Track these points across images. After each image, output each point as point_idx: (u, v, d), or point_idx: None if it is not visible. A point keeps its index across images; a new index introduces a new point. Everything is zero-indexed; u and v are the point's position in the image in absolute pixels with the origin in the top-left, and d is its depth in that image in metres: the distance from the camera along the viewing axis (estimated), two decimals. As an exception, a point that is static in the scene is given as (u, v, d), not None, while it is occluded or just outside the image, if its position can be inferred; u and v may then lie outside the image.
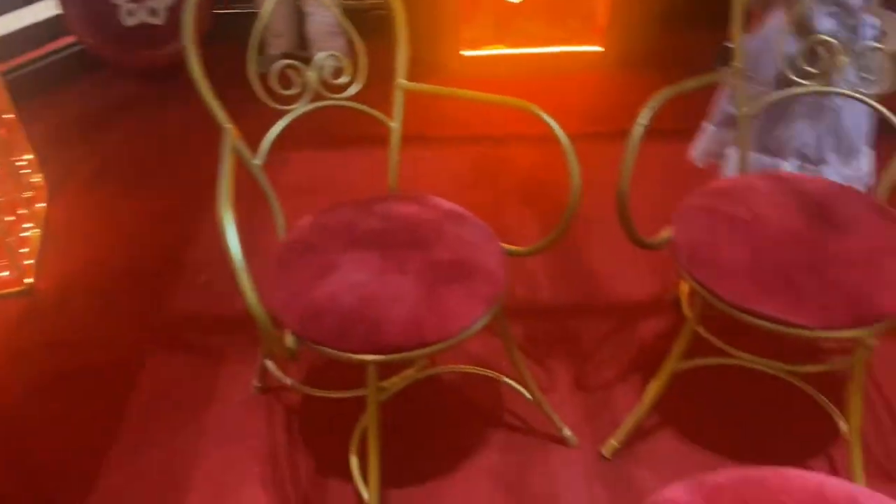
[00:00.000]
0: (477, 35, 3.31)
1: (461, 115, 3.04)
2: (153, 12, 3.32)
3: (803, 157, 1.90)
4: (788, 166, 1.90)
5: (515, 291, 2.15)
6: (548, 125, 1.47)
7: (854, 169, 1.90)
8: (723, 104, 2.01)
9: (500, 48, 3.31)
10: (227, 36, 2.96)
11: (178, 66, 3.40)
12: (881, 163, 1.65)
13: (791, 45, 1.71)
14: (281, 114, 1.56)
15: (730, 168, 1.98)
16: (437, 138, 2.90)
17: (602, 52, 3.26)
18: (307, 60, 1.56)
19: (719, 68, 3.04)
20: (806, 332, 1.37)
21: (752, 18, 2.04)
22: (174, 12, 3.32)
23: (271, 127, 1.56)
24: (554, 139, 1.46)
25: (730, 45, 3.10)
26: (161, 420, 1.81)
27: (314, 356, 1.97)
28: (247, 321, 2.04)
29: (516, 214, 2.47)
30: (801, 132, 1.87)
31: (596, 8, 3.27)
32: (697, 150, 2.11)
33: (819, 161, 1.89)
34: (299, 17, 3.28)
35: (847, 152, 1.88)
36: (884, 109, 1.65)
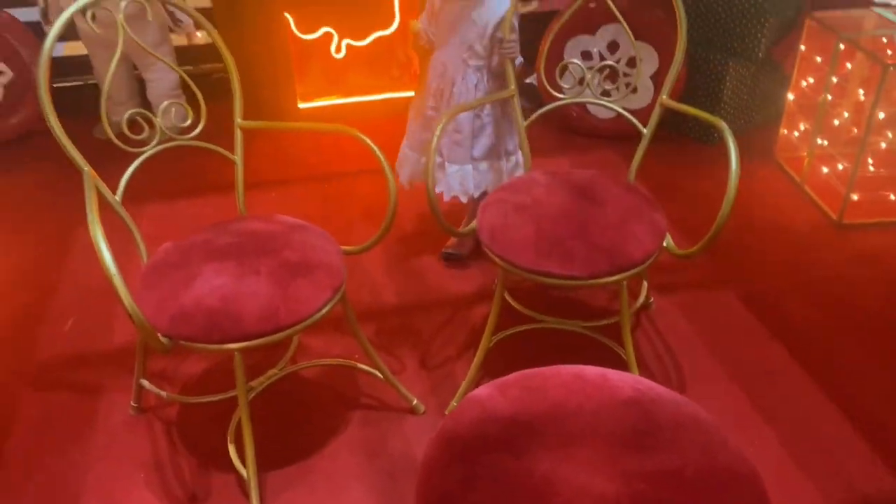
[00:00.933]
0: (311, 88, 3.67)
1: (306, 159, 3.36)
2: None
3: (507, 154, 2.44)
4: (505, 164, 2.41)
5: (363, 298, 2.47)
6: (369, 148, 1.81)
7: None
8: (416, 131, 2.47)
9: (332, 99, 3.67)
10: (63, 111, 3.10)
11: (23, 137, 3.52)
12: (631, 154, 2.14)
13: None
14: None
15: (455, 183, 2.42)
16: (286, 180, 3.20)
17: (423, 95, 3.70)
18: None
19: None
20: (579, 283, 1.78)
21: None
22: (11, 89, 3.44)
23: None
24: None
25: (533, 82, 3.68)
26: (44, 449, 1.95)
27: (187, 373, 2.19)
28: (118, 353, 2.26)
29: (361, 234, 2.79)
30: (501, 136, 2.39)
31: (412, 58, 3.71)
32: (402, 175, 2.53)
33: (514, 152, 2.43)
34: (140, 85, 3.50)
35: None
36: (632, 118, 2.13)
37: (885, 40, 2.80)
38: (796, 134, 3.11)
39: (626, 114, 2.12)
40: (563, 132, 3.53)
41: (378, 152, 1.80)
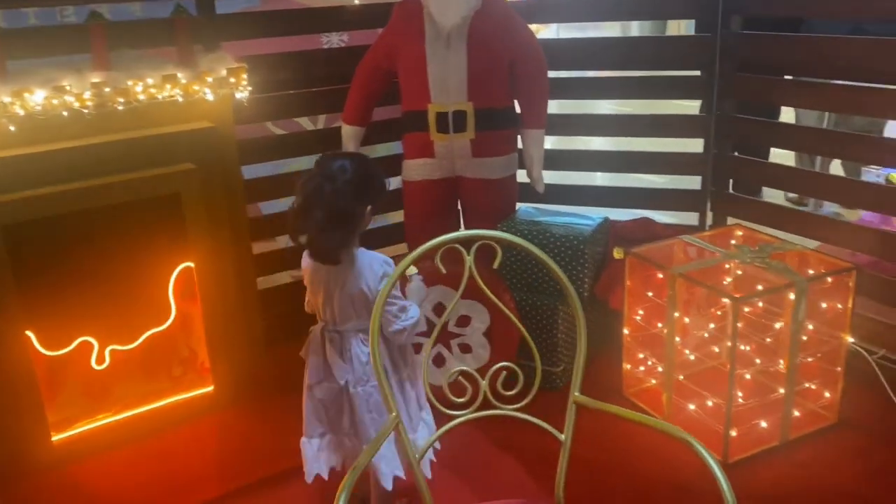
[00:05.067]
0: (67, 414, 2.82)
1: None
2: None
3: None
4: None
5: None
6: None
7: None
8: (313, 420, 2.17)
9: (97, 420, 2.87)
10: None
11: None
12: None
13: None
14: None
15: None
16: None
17: (213, 391, 3.06)
18: None
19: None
20: None
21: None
22: None
23: None
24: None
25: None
26: None
27: None
28: None
29: None
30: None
31: (196, 350, 3.09)
32: (309, 472, 2.15)
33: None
34: None
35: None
36: (549, 427, 1.75)
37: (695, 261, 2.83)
38: (642, 368, 2.99)
39: (544, 425, 1.74)
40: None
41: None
